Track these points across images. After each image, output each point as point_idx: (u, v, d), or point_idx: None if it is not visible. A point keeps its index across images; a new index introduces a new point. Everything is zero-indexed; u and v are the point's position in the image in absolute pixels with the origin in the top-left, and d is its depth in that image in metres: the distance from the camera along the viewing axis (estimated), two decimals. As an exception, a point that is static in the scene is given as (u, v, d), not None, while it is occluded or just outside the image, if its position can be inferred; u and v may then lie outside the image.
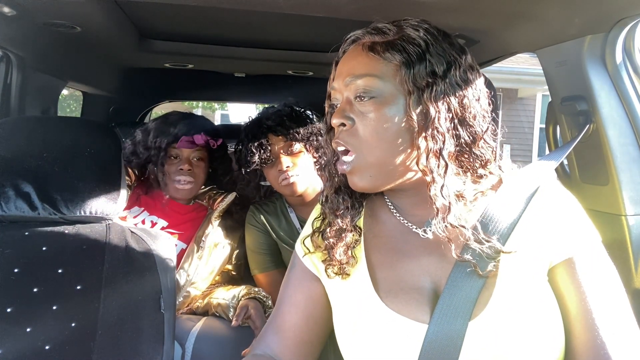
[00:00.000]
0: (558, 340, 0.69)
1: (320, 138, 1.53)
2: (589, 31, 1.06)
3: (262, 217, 1.57)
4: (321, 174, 1.60)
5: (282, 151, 1.47)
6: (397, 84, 0.71)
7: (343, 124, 0.74)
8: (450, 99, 0.71)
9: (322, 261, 0.83)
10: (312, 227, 0.87)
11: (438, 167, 0.70)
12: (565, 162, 1.27)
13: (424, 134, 0.70)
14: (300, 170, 1.46)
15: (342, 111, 0.75)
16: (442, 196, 0.70)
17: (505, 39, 1.28)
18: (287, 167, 1.44)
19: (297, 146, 1.48)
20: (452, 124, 0.72)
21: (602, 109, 1.09)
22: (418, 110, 0.70)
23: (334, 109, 0.79)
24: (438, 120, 0.70)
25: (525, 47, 1.28)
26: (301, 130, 1.48)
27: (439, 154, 0.70)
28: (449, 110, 0.71)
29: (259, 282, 1.55)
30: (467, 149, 0.74)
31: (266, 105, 1.65)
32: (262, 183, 1.61)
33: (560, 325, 0.70)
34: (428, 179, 0.71)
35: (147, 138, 1.51)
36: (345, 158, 0.75)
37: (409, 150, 0.72)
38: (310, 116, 1.58)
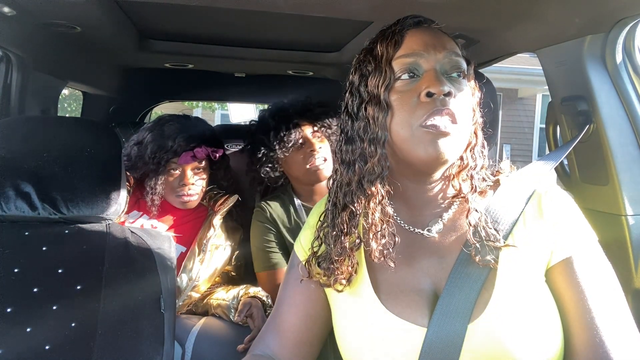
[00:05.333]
0: (556, 341, 0.69)
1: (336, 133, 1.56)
2: (589, 31, 1.06)
3: (272, 213, 1.56)
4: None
5: (310, 135, 1.52)
6: (467, 75, 0.78)
7: (450, 93, 0.71)
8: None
9: (324, 285, 0.82)
10: (312, 249, 0.85)
11: (477, 155, 0.78)
12: (565, 162, 1.27)
13: (477, 123, 0.78)
14: (327, 154, 1.51)
15: (442, 81, 0.71)
16: (475, 179, 0.77)
17: (505, 39, 1.28)
18: (320, 147, 1.49)
19: (320, 133, 1.54)
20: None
21: (602, 109, 1.09)
22: (475, 102, 0.78)
23: (397, 81, 0.74)
24: (478, 113, 0.79)
25: (525, 47, 1.28)
26: (326, 119, 1.54)
27: (482, 144, 0.79)
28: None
29: (262, 280, 1.54)
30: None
31: (266, 106, 1.65)
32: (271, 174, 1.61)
33: (558, 325, 0.70)
34: (471, 164, 0.77)
35: (144, 152, 1.46)
36: (446, 126, 0.70)
37: (469, 138, 0.78)
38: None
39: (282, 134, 1.50)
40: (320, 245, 0.83)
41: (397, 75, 0.74)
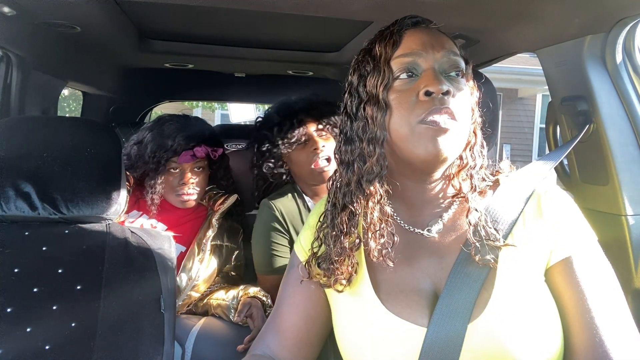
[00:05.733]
0: (555, 340, 0.69)
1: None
2: (589, 31, 1.06)
3: (281, 211, 1.50)
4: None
5: (315, 133, 1.49)
6: (466, 74, 0.77)
7: (448, 91, 0.71)
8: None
9: (324, 285, 0.82)
10: (312, 249, 0.85)
11: (478, 154, 0.79)
12: (565, 162, 1.27)
13: (476, 122, 0.79)
14: (331, 154, 1.46)
15: (441, 80, 0.71)
16: (475, 178, 0.77)
17: (505, 39, 1.28)
18: (323, 146, 1.46)
19: (325, 132, 1.51)
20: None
21: (602, 109, 1.09)
22: (474, 101, 0.78)
23: (395, 80, 0.74)
24: (477, 112, 0.80)
25: (525, 47, 1.28)
26: (332, 117, 1.52)
27: (481, 144, 0.79)
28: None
29: (263, 282, 1.53)
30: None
31: (266, 105, 1.65)
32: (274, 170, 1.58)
33: (558, 325, 0.71)
34: (471, 163, 0.78)
35: (144, 151, 1.46)
36: (445, 123, 0.70)
37: (469, 137, 0.78)
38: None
39: (285, 130, 1.48)
40: (320, 246, 0.83)
41: (396, 75, 0.74)
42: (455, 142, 0.72)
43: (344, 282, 0.78)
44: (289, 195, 1.55)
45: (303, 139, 1.48)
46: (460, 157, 0.77)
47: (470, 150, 0.78)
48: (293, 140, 1.47)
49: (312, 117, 1.50)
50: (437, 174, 0.77)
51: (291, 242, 1.50)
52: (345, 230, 0.78)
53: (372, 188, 0.75)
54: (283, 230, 1.50)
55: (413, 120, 0.71)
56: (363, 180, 0.76)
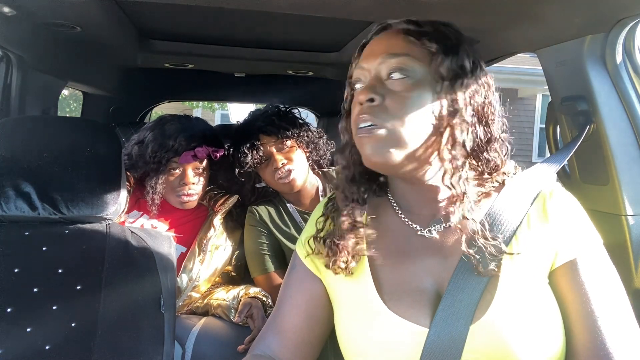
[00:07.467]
0: (557, 342, 0.69)
1: (310, 134, 1.58)
2: (589, 31, 1.06)
3: (262, 216, 1.57)
4: (317, 171, 1.62)
5: (274, 149, 1.50)
6: (431, 70, 0.73)
7: (372, 99, 0.73)
8: (475, 95, 0.75)
9: (325, 265, 0.82)
10: (316, 226, 0.87)
11: (459, 157, 0.72)
12: (566, 162, 1.27)
13: (450, 122, 0.72)
14: (295, 165, 1.49)
15: (371, 87, 0.74)
16: (459, 185, 0.72)
17: (506, 39, 1.28)
18: (282, 163, 1.47)
19: (289, 143, 1.52)
20: (473, 120, 0.75)
21: (602, 109, 1.09)
22: (448, 98, 0.73)
23: (353, 91, 0.80)
24: (465, 111, 0.73)
25: (525, 47, 1.28)
26: (291, 127, 1.52)
27: (462, 145, 0.73)
28: (472, 105, 0.74)
29: (260, 284, 1.54)
30: (480, 149, 0.77)
31: (261, 106, 1.65)
32: (257, 185, 1.61)
33: (560, 327, 0.70)
34: (448, 167, 0.73)
35: (145, 151, 1.46)
36: (370, 130, 0.72)
37: (433, 138, 0.73)
38: (297, 114, 1.61)
39: (241, 155, 1.49)
40: (325, 221, 0.86)
41: (353, 85, 0.80)
42: (391, 146, 0.71)
43: (350, 259, 0.78)
44: (272, 201, 1.61)
45: (260, 160, 1.48)
46: (442, 160, 0.74)
47: (449, 152, 0.73)
48: (246, 166, 1.49)
49: (269, 134, 1.50)
50: (413, 177, 0.76)
51: (275, 243, 1.55)
52: (358, 198, 0.82)
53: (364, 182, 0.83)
54: (265, 231, 1.55)
55: (355, 129, 0.76)
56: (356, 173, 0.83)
